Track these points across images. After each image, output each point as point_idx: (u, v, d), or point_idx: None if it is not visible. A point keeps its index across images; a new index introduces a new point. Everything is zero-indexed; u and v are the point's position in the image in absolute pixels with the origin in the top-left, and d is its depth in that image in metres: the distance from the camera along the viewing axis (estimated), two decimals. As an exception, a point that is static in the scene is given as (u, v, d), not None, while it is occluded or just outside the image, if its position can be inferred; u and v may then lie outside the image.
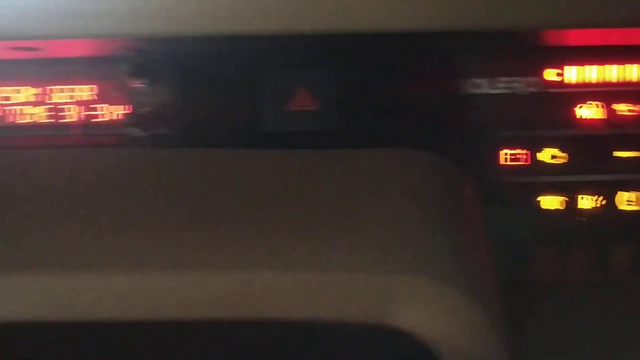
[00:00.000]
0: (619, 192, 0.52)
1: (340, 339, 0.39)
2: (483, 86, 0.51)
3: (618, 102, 0.52)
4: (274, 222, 0.42)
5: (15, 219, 0.42)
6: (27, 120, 0.53)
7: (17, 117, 0.53)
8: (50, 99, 0.53)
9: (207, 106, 0.52)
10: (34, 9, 0.42)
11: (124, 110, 0.52)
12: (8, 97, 0.53)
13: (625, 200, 0.53)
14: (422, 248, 0.40)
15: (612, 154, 0.52)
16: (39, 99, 0.53)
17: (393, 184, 0.45)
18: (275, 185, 0.46)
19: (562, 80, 0.52)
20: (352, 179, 0.46)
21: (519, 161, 0.52)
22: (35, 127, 0.53)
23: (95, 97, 0.52)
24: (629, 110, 0.52)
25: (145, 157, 0.51)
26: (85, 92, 0.52)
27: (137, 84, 0.51)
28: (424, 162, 0.47)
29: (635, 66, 0.52)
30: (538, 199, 0.53)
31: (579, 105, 0.52)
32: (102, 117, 0.52)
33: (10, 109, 0.53)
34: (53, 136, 0.53)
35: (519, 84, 0.51)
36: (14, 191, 0.46)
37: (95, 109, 0.52)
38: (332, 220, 0.42)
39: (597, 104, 0.52)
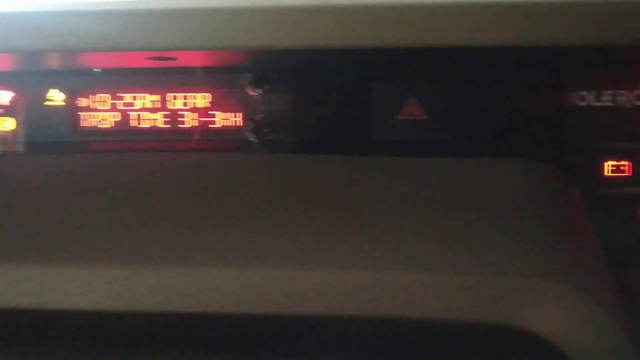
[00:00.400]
0: None
1: (471, 340, 0.41)
2: (589, 99, 0.52)
3: None
4: (403, 227, 0.44)
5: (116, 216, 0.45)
6: (146, 126, 0.56)
7: (137, 123, 0.56)
8: (170, 105, 0.56)
9: (320, 114, 0.54)
10: (169, 23, 0.45)
11: (242, 117, 0.54)
12: (132, 103, 0.56)
13: None
14: (549, 253, 0.42)
15: None
16: (159, 106, 0.56)
17: (512, 193, 0.46)
18: (392, 191, 0.48)
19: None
20: (465, 188, 0.48)
21: (622, 172, 0.53)
22: (155, 132, 0.56)
23: (213, 105, 0.55)
24: None
25: (259, 162, 0.53)
26: (204, 99, 0.55)
27: (255, 93, 0.54)
28: (538, 172, 0.49)
29: None
30: (641, 210, 0.53)
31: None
32: (219, 124, 0.55)
33: (131, 115, 0.56)
34: (171, 141, 0.56)
35: (623, 97, 0.52)
36: (112, 192, 0.49)
37: (212, 116, 0.55)
38: (458, 226, 0.44)
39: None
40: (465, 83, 0.53)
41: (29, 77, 0.57)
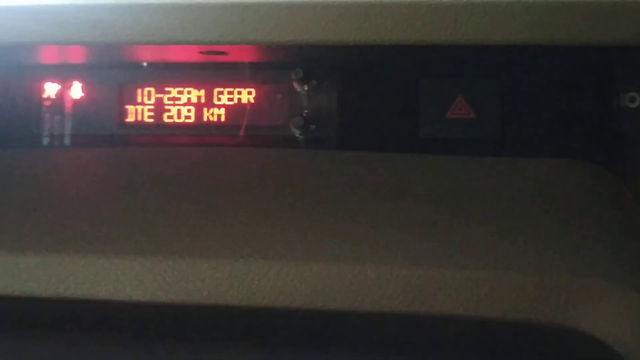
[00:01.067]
0: None
1: (522, 339, 0.40)
2: (639, 100, 0.52)
3: None
4: (453, 225, 0.44)
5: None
6: (191, 120, 0.56)
7: (183, 117, 0.56)
8: (216, 100, 0.56)
9: (367, 111, 0.54)
10: (222, 18, 0.45)
11: (288, 113, 0.54)
12: (178, 97, 0.56)
13: None
14: (603, 253, 0.41)
15: None
16: (206, 100, 0.56)
17: (563, 193, 0.46)
18: (439, 190, 0.48)
19: None
20: (515, 187, 0.48)
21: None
22: (199, 126, 0.56)
23: (260, 100, 0.55)
24: None
25: (305, 159, 0.53)
26: (250, 95, 0.55)
27: (301, 89, 0.54)
28: (588, 173, 0.48)
29: None
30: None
31: None
32: (266, 120, 0.55)
33: (177, 109, 0.57)
34: (214, 135, 0.56)
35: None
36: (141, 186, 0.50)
37: (259, 112, 0.55)
38: (509, 225, 0.44)
39: None
40: (514, 82, 0.53)
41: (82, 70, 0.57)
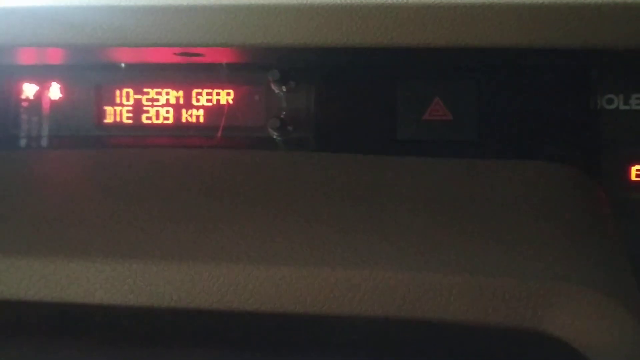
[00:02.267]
0: None
1: (495, 343, 0.40)
2: (616, 102, 0.52)
3: None
4: (426, 228, 0.44)
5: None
6: (169, 121, 0.56)
7: (161, 118, 0.56)
8: (194, 101, 0.56)
9: (344, 113, 0.54)
10: (197, 21, 0.45)
11: (265, 115, 0.54)
12: (156, 98, 0.56)
13: None
14: (572, 257, 0.42)
15: None
16: (184, 102, 0.56)
17: (537, 195, 0.46)
18: (414, 192, 0.48)
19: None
20: (491, 189, 0.48)
21: (649, 177, 0.52)
22: (177, 127, 0.56)
23: (238, 101, 0.55)
24: None
25: (282, 160, 0.53)
26: (229, 96, 0.55)
27: (279, 91, 0.54)
28: (563, 175, 0.48)
29: None
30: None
31: None
32: (244, 121, 0.55)
33: (155, 110, 0.56)
34: (192, 137, 0.56)
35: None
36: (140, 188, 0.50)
37: (237, 113, 0.55)
38: (481, 228, 0.44)
39: None
40: (491, 84, 0.53)
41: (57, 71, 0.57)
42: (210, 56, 0.50)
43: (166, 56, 0.50)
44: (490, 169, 0.49)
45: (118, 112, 0.57)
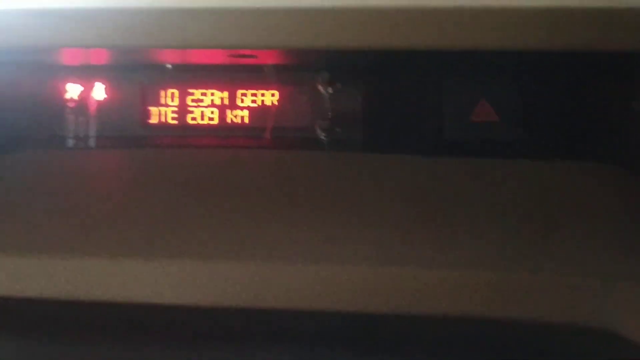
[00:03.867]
0: None
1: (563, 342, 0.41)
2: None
3: None
4: (481, 228, 0.44)
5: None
6: (214, 122, 0.57)
7: (206, 119, 0.57)
8: (239, 102, 0.56)
9: (391, 114, 0.54)
10: (251, 23, 0.45)
11: (313, 115, 0.55)
12: (201, 99, 0.56)
13: None
14: (628, 255, 0.42)
15: None
16: (229, 102, 0.56)
17: (587, 196, 0.47)
18: (463, 191, 0.49)
19: None
20: (539, 190, 0.48)
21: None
22: (222, 128, 0.57)
23: (284, 102, 0.56)
24: None
25: (331, 161, 0.54)
26: (274, 97, 0.56)
27: (326, 92, 0.54)
28: (611, 175, 0.49)
29: None
30: None
31: None
32: (289, 122, 0.55)
33: (200, 111, 0.57)
34: (236, 137, 0.57)
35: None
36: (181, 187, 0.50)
37: (282, 114, 0.56)
38: (537, 227, 0.44)
39: None
40: (537, 85, 0.53)
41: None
42: (262, 58, 0.50)
43: (218, 57, 0.51)
44: (537, 169, 0.50)
45: (163, 113, 0.57)
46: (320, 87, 0.54)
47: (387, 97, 0.54)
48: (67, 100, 0.57)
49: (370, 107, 0.54)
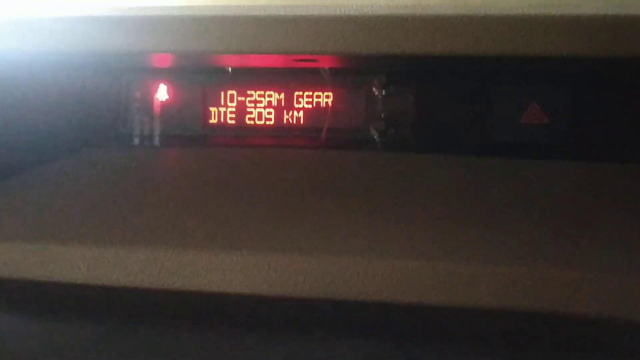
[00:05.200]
0: None
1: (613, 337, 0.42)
2: None
3: None
4: (536, 225, 0.46)
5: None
6: (271, 122, 0.59)
7: (263, 119, 0.59)
8: (296, 103, 0.59)
9: (443, 116, 0.56)
10: (313, 30, 0.48)
11: (367, 117, 0.57)
12: (259, 100, 0.59)
13: None
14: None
15: None
16: (285, 104, 0.59)
17: (637, 199, 0.48)
18: (513, 193, 0.51)
19: None
20: (589, 192, 0.50)
21: None
22: (278, 128, 0.59)
23: (339, 104, 0.58)
24: None
25: (385, 160, 0.56)
26: (329, 98, 0.58)
27: (380, 94, 0.56)
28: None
29: None
30: None
31: None
32: (344, 123, 0.58)
33: (258, 112, 0.60)
34: (293, 137, 0.59)
35: None
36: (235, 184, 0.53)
37: (337, 115, 0.58)
38: (589, 228, 0.46)
39: None
40: (587, 87, 0.54)
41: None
42: (320, 62, 0.53)
43: (274, 61, 0.53)
44: (586, 171, 0.51)
45: (223, 113, 0.60)
46: (374, 90, 0.56)
47: (439, 99, 0.56)
48: (134, 101, 0.61)
49: (422, 108, 0.57)
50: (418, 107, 0.57)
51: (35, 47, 0.49)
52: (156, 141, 0.61)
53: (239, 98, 0.60)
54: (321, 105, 0.58)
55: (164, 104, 0.61)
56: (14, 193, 0.53)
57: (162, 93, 0.61)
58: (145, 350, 0.42)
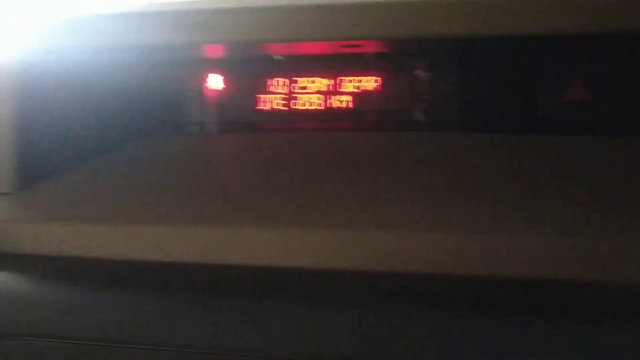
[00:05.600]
0: None
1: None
2: None
3: None
4: (579, 202, 0.48)
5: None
6: (319, 107, 0.62)
7: (311, 105, 0.62)
8: (342, 88, 0.61)
9: (486, 95, 0.58)
10: (359, 16, 0.50)
11: (412, 99, 0.59)
12: (307, 86, 0.62)
13: None
14: None
15: None
16: (333, 89, 0.61)
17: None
18: (558, 168, 0.52)
19: None
20: (633, 166, 0.51)
21: None
22: (326, 113, 0.62)
23: (384, 87, 0.60)
24: None
25: (430, 140, 0.57)
26: (375, 82, 0.60)
27: (424, 76, 0.58)
28: None
29: None
30: None
31: None
32: (389, 105, 0.60)
33: (306, 97, 0.62)
34: (340, 121, 0.62)
35: None
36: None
37: (382, 98, 0.60)
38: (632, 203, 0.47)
39: None
40: (630, 64, 0.55)
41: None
42: (366, 47, 0.55)
43: (321, 47, 0.56)
44: (630, 146, 0.52)
45: (272, 100, 0.63)
46: (419, 72, 0.58)
47: (482, 78, 0.58)
48: (189, 91, 0.64)
49: (466, 88, 0.58)
50: (462, 87, 0.58)
51: (99, 43, 0.53)
52: (209, 128, 0.64)
53: (288, 85, 0.62)
54: (367, 89, 0.60)
55: (216, 93, 0.64)
56: (85, 179, 0.57)
57: (215, 82, 0.64)
58: (213, 323, 0.45)
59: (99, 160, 0.60)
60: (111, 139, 0.62)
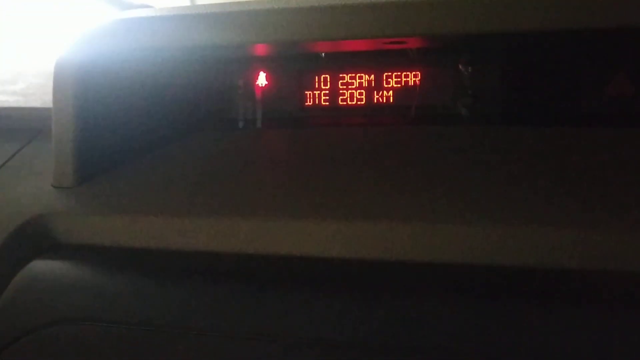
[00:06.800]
0: None
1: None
2: None
3: None
4: (618, 193, 0.48)
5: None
6: (362, 103, 0.64)
7: (355, 100, 0.64)
8: (385, 84, 0.63)
9: (529, 88, 0.58)
10: (403, 14, 0.51)
11: (454, 93, 0.60)
12: (350, 82, 0.64)
13: None
14: None
15: None
16: (375, 84, 0.63)
17: None
18: (601, 161, 0.52)
19: None
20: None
21: None
22: (369, 108, 0.63)
23: (426, 82, 0.61)
24: None
25: (474, 134, 0.58)
26: (417, 77, 0.61)
27: (466, 71, 0.59)
28: None
29: None
30: None
31: None
32: (432, 100, 0.61)
33: (349, 93, 0.64)
34: (383, 116, 0.63)
35: None
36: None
37: (425, 93, 0.61)
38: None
39: None
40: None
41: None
42: (409, 43, 0.56)
43: (363, 44, 0.57)
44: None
45: (317, 96, 0.65)
46: (460, 66, 0.59)
47: (524, 72, 0.58)
48: (237, 89, 0.67)
49: (508, 82, 0.59)
50: (504, 81, 0.59)
51: (156, 44, 0.56)
52: (258, 124, 0.66)
53: (332, 81, 0.64)
54: (409, 84, 0.62)
55: (264, 90, 0.66)
56: (142, 173, 0.60)
57: (262, 80, 0.66)
58: (257, 310, 0.47)
59: (154, 156, 0.63)
60: (165, 135, 0.65)
